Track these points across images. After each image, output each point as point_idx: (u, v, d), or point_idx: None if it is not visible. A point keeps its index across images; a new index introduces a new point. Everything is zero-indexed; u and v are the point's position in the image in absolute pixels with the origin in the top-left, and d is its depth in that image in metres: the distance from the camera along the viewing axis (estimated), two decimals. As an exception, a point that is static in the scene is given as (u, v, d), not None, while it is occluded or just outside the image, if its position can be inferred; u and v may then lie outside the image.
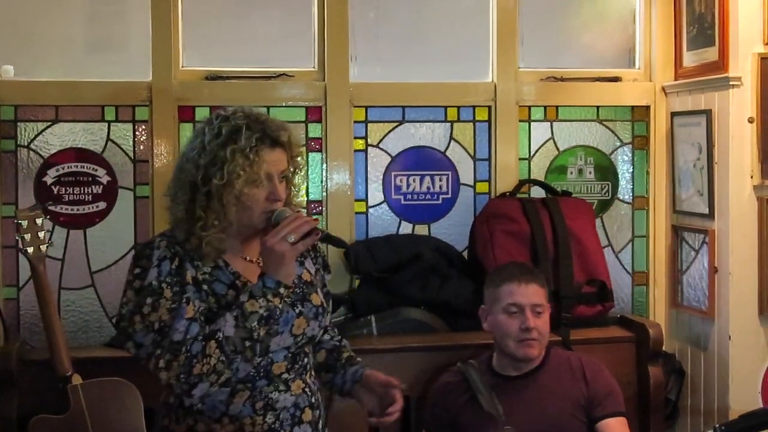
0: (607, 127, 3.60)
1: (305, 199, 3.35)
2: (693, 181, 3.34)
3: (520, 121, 3.51)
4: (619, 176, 3.61)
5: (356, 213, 3.44)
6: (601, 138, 3.60)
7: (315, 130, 3.39)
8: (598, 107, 3.58)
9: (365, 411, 2.24)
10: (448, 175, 3.50)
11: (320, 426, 2.18)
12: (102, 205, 3.28)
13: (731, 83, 3.09)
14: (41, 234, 2.75)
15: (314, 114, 3.39)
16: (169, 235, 2.07)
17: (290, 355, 2.10)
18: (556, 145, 3.57)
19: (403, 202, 3.49)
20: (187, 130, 3.29)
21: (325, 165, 3.37)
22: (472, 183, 3.52)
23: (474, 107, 3.49)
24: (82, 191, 3.26)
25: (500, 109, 3.46)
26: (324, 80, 3.36)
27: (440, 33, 3.58)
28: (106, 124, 3.29)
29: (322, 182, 3.38)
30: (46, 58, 3.31)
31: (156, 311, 1.95)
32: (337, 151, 3.37)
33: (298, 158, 2.13)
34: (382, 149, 3.47)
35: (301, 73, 3.38)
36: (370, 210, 3.47)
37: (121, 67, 3.33)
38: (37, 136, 3.25)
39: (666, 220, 3.54)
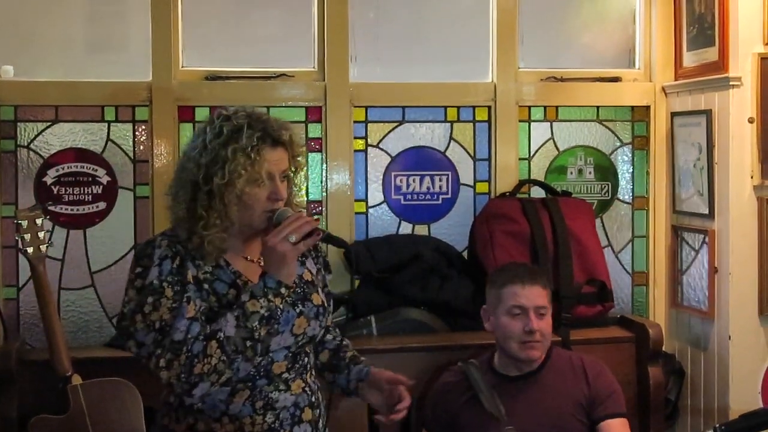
0: (607, 127, 3.60)
1: (305, 199, 3.35)
2: (693, 181, 3.34)
3: (520, 121, 3.51)
4: (619, 176, 3.61)
5: (356, 213, 3.44)
6: (601, 138, 3.60)
7: (315, 130, 3.39)
8: (598, 107, 3.58)
9: (371, 409, 2.23)
10: (448, 175, 3.50)
11: (320, 425, 2.18)
12: (102, 205, 3.28)
13: (731, 83, 3.10)
14: (41, 234, 2.75)
15: (314, 114, 3.39)
16: (171, 235, 2.07)
17: (291, 354, 2.10)
18: (556, 146, 3.57)
19: (403, 202, 3.49)
20: (187, 130, 3.30)
21: (324, 165, 3.37)
22: (472, 183, 3.52)
23: (474, 107, 3.49)
24: (82, 191, 3.26)
25: (500, 110, 3.46)
26: (324, 80, 3.36)
27: (440, 33, 3.58)
28: (106, 124, 3.29)
29: (321, 182, 3.38)
30: (46, 58, 3.31)
31: (157, 310, 1.95)
32: (337, 151, 3.37)
33: (300, 158, 2.13)
34: (382, 149, 3.47)
35: (301, 73, 3.38)
36: (370, 210, 3.47)
37: (121, 67, 3.33)
38: (37, 136, 3.25)
39: (666, 220, 3.54)
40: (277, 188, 2.05)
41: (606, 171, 3.61)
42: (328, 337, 2.37)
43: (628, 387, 3.13)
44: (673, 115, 3.47)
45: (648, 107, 3.56)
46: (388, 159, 3.48)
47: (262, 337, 1.97)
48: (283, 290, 1.98)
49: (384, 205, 3.48)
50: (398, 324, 3.27)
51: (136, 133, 3.30)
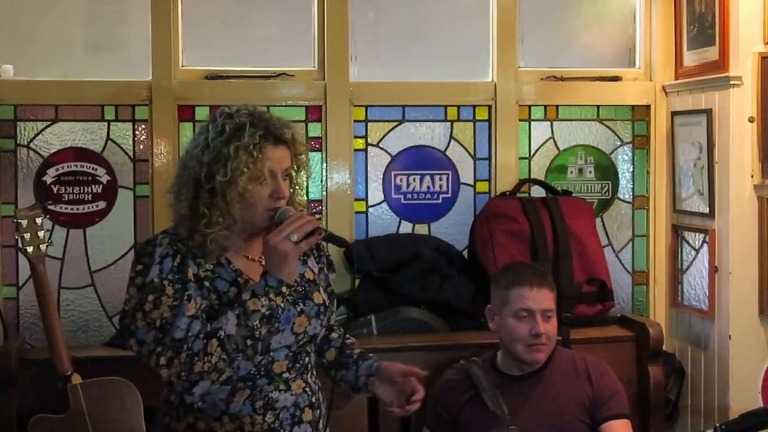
0: (607, 126, 3.60)
1: (305, 198, 3.34)
2: (693, 180, 3.34)
3: (520, 120, 3.51)
4: (620, 176, 3.61)
5: (356, 212, 3.44)
6: (602, 137, 3.60)
7: (315, 129, 3.39)
8: (598, 107, 3.58)
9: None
10: (448, 174, 3.50)
11: (320, 426, 2.18)
12: (102, 204, 3.28)
13: (731, 82, 3.10)
14: (41, 233, 2.75)
15: (314, 113, 3.39)
16: (172, 233, 2.07)
17: (291, 354, 2.10)
18: (556, 145, 3.57)
19: (403, 201, 3.48)
20: (186, 130, 3.30)
21: (325, 164, 3.37)
22: (472, 182, 3.51)
23: (474, 107, 3.49)
24: (81, 191, 3.26)
25: (500, 109, 3.46)
26: (324, 80, 3.36)
27: (440, 33, 3.58)
28: (106, 124, 3.29)
29: (321, 182, 3.38)
30: (46, 57, 3.31)
31: (158, 308, 1.95)
32: (337, 151, 3.37)
33: (302, 156, 2.13)
34: (382, 149, 3.47)
35: (301, 72, 3.38)
36: (370, 209, 3.47)
37: (121, 66, 3.33)
38: (36, 135, 3.25)
39: (666, 220, 3.54)
40: (279, 186, 2.05)
41: (606, 170, 3.60)
42: (334, 335, 2.37)
43: (628, 386, 3.12)
44: (674, 114, 3.47)
45: (648, 106, 3.56)
46: (388, 158, 3.47)
47: (262, 336, 1.97)
48: (284, 289, 1.98)
49: (384, 205, 3.48)
50: (398, 323, 3.27)
51: (136, 132, 3.30)
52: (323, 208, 3.38)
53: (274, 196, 2.04)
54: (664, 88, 3.53)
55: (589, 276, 3.29)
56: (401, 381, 2.23)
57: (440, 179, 3.49)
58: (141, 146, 3.30)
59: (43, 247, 2.75)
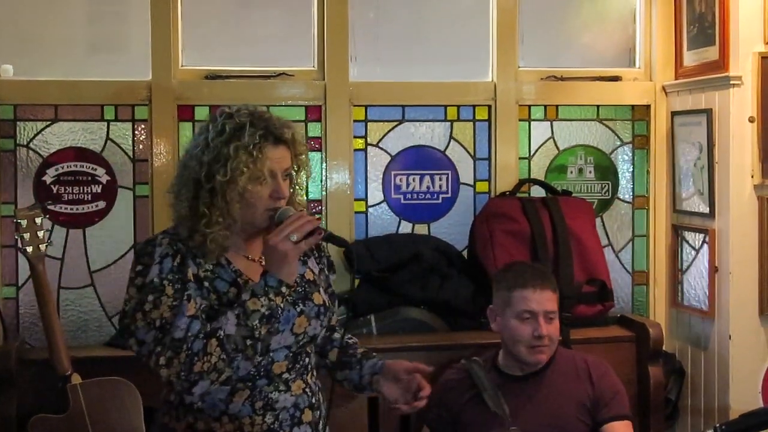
0: (607, 126, 3.60)
1: (305, 198, 3.34)
2: (693, 180, 3.34)
3: (520, 120, 3.51)
4: (620, 176, 3.61)
5: (356, 212, 3.43)
6: (602, 137, 3.60)
7: (315, 129, 3.39)
8: (598, 106, 3.58)
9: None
10: (447, 174, 3.49)
11: (320, 427, 2.17)
12: (101, 204, 3.28)
13: (732, 82, 3.09)
14: (40, 233, 2.75)
15: (314, 113, 3.39)
16: (172, 233, 2.07)
17: (291, 354, 2.10)
18: (556, 145, 3.57)
19: (402, 201, 3.48)
20: (186, 130, 3.30)
21: (324, 164, 3.37)
22: (472, 182, 3.51)
23: (474, 107, 3.49)
24: (81, 190, 3.26)
25: (500, 109, 3.46)
26: (324, 79, 3.36)
27: (440, 33, 3.58)
28: (106, 124, 3.29)
29: (321, 181, 3.38)
30: (46, 58, 3.30)
31: (157, 308, 1.95)
32: (336, 151, 3.37)
33: (302, 156, 2.13)
34: (381, 148, 3.47)
35: (301, 72, 3.38)
36: (370, 209, 3.47)
37: (121, 66, 3.32)
38: (36, 135, 3.24)
39: (666, 220, 3.54)
40: (279, 186, 2.05)
41: (606, 170, 3.60)
42: (336, 335, 2.37)
43: (628, 387, 3.11)
44: (674, 114, 3.47)
45: (648, 106, 3.56)
46: (388, 158, 3.47)
47: (262, 336, 1.97)
48: (284, 289, 1.98)
49: (384, 205, 3.48)
50: (398, 323, 3.27)
51: (136, 132, 3.30)
52: (323, 208, 3.38)
53: (274, 196, 2.05)
54: (664, 88, 3.53)
55: (589, 276, 3.29)
56: (406, 378, 2.23)
57: (440, 179, 3.49)
58: (141, 146, 3.30)
59: (42, 247, 2.75)
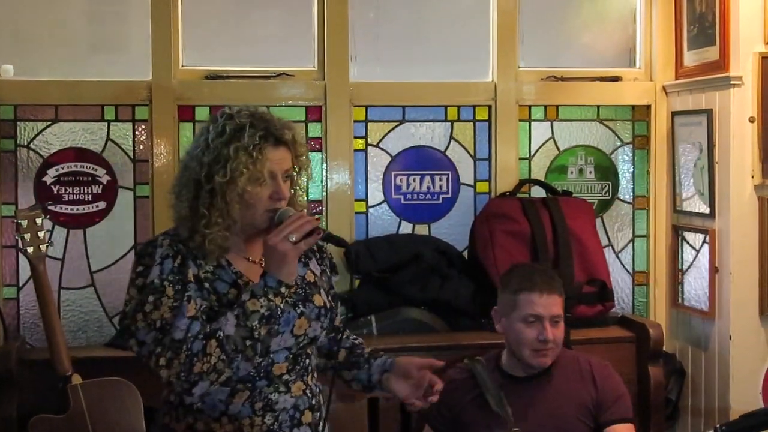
0: (607, 126, 3.60)
1: (305, 199, 3.34)
2: (694, 180, 3.33)
3: (521, 120, 3.51)
4: (620, 176, 3.61)
5: (356, 213, 3.44)
6: (602, 138, 3.60)
7: (315, 129, 3.39)
8: (598, 107, 3.58)
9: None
10: (448, 174, 3.50)
11: (320, 428, 2.17)
12: (102, 204, 3.28)
13: (732, 83, 3.09)
14: (41, 234, 2.75)
15: (314, 113, 3.39)
16: (172, 234, 2.06)
17: (291, 356, 2.10)
18: (556, 145, 3.57)
19: (403, 201, 3.48)
20: (186, 130, 3.30)
21: (324, 165, 3.37)
22: (472, 183, 3.51)
23: (474, 107, 3.49)
24: (81, 191, 3.26)
25: (500, 109, 3.46)
26: (324, 80, 3.36)
27: (440, 33, 3.58)
28: (106, 124, 3.29)
29: (321, 182, 3.38)
30: (46, 57, 3.31)
31: (158, 309, 1.95)
32: (337, 151, 3.37)
33: (303, 157, 2.12)
34: (382, 149, 3.47)
35: (301, 72, 3.38)
36: (370, 210, 3.47)
37: (121, 66, 3.33)
38: (36, 135, 3.25)
39: (666, 220, 3.54)
40: (279, 187, 2.04)
41: (606, 170, 3.60)
42: (342, 336, 2.36)
43: (629, 387, 3.10)
44: (674, 114, 3.47)
45: (648, 106, 3.56)
46: (388, 158, 3.47)
47: (262, 337, 1.97)
48: (283, 290, 1.98)
49: (384, 205, 3.48)
50: (398, 324, 3.27)
51: (136, 132, 3.30)
52: (323, 208, 3.38)
53: (274, 197, 2.04)
54: (664, 88, 3.52)
55: (589, 276, 3.29)
56: (418, 374, 2.23)
57: (440, 179, 3.49)
58: (141, 146, 3.30)
59: (43, 247, 2.75)
